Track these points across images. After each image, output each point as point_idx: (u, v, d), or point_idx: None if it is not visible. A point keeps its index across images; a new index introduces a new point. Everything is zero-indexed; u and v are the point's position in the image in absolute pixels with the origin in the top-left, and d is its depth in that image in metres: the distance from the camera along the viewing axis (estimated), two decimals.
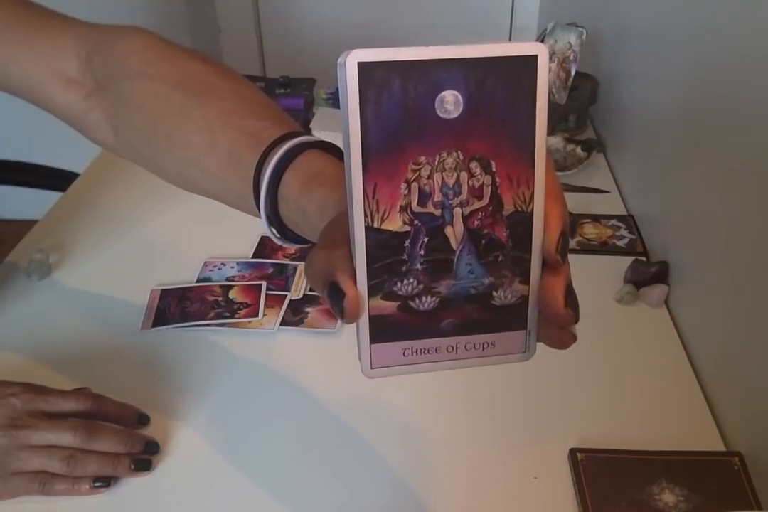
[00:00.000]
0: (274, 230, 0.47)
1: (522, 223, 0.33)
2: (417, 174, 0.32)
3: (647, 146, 0.96)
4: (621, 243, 0.91)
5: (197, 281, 0.84)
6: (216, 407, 0.69)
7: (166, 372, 0.73)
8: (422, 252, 0.33)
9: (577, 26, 1.09)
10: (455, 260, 0.33)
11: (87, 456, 0.58)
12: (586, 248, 0.90)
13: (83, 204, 1.01)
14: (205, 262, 0.88)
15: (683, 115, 0.83)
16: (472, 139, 0.32)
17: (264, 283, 0.83)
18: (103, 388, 0.62)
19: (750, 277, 0.64)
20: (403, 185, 0.32)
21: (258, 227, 0.99)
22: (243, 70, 1.42)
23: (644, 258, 0.88)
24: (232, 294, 0.82)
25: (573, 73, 1.09)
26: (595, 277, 0.85)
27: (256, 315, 0.79)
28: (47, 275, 0.86)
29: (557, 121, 1.17)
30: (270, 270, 0.86)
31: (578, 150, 1.10)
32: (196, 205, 0.99)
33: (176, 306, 0.80)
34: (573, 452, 0.62)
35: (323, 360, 0.74)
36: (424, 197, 0.32)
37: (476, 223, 0.33)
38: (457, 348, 0.36)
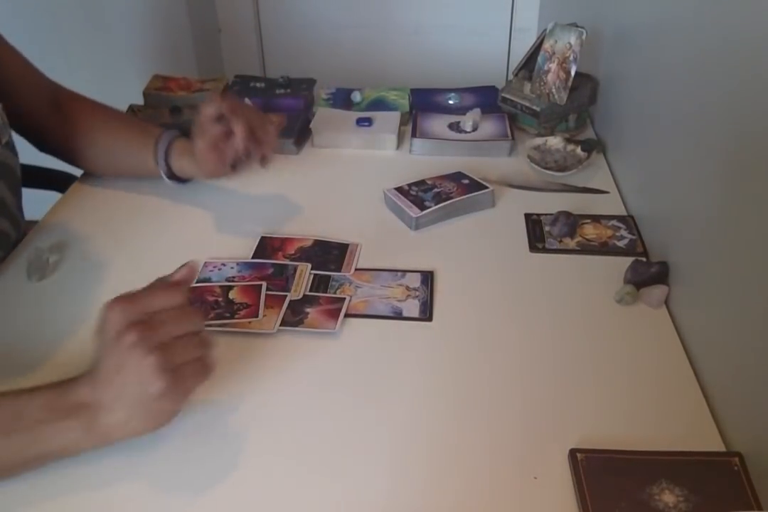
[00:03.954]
0: (167, 179, 0.97)
1: None
2: None
3: (647, 146, 0.96)
4: (621, 243, 0.91)
5: (197, 281, 0.84)
6: (215, 407, 0.69)
7: None
8: None
9: (577, 26, 1.09)
10: None
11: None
12: (586, 248, 0.90)
13: (83, 204, 1.01)
14: (205, 262, 0.88)
15: (683, 115, 0.83)
16: None
17: (264, 284, 0.84)
18: None
19: (750, 277, 0.64)
20: None
21: (258, 227, 1.00)
22: (243, 70, 1.42)
23: (644, 259, 0.88)
24: (231, 295, 0.82)
25: (573, 73, 1.09)
26: (595, 277, 0.85)
27: (256, 316, 0.79)
28: (47, 275, 0.86)
29: (557, 121, 1.17)
30: (270, 271, 0.86)
31: (578, 150, 1.10)
32: (196, 206, 1.00)
33: None
34: (573, 452, 0.62)
35: (323, 361, 0.74)
36: None
37: None
38: None
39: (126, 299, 0.58)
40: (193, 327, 0.59)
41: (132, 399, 0.57)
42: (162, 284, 0.61)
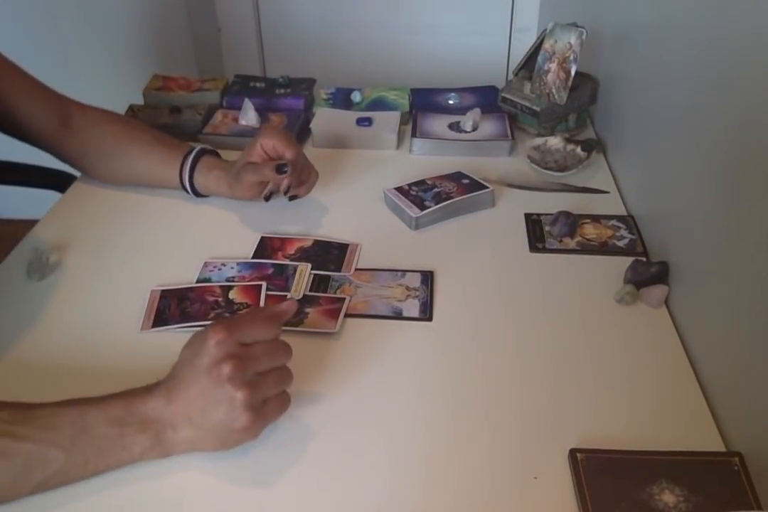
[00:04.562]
0: (190, 191, 0.98)
1: None
2: None
3: (647, 146, 0.96)
4: (621, 243, 0.91)
5: (197, 281, 0.84)
6: None
7: (166, 372, 0.72)
8: None
9: (577, 26, 1.09)
10: None
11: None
12: (586, 248, 0.90)
13: (83, 204, 1.01)
14: (205, 263, 0.88)
15: (683, 115, 0.83)
16: None
17: (264, 284, 0.83)
18: (102, 389, 0.62)
19: (750, 277, 0.64)
20: None
21: (258, 227, 1.00)
22: (243, 70, 1.43)
23: (644, 259, 0.88)
24: (231, 295, 0.82)
25: (573, 73, 1.09)
26: (595, 277, 0.85)
27: None
28: (47, 275, 0.86)
29: (557, 121, 1.17)
30: (270, 271, 0.86)
31: (578, 150, 1.10)
32: (196, 206, 1.00)
33: (176, 307, 0.80)
34: (573, 452, 0.62)
35: (323, 361, 0.74)
36: None
37: None
38: None
39: (228, 328, 0.59)
40: (283, 362, 0.63)
41: (210, 426, 0.59)
42: (262, 314, 0.63)
